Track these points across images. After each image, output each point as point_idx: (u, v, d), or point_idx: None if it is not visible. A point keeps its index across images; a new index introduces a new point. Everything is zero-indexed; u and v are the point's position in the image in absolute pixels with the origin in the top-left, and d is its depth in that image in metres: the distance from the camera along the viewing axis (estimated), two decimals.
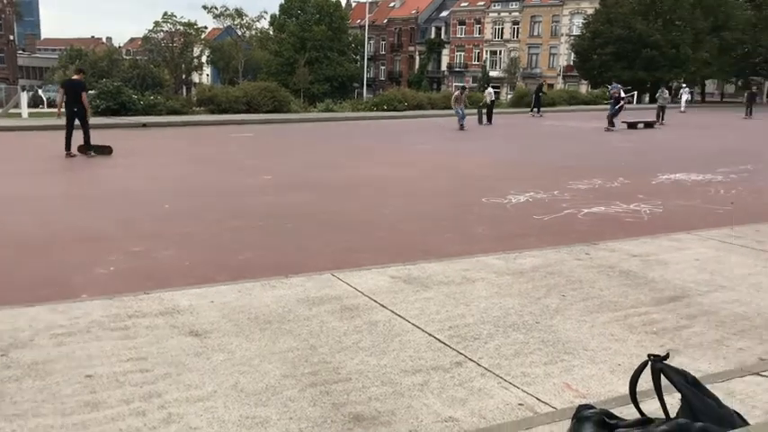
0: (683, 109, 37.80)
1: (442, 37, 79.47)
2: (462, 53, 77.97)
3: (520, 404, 3.25)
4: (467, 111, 25.13)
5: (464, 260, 5.94)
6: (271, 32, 74.70)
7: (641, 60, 48.51)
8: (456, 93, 26.22)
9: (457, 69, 77.36)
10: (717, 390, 3.13)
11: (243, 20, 77.70)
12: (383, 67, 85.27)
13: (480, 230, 7.76)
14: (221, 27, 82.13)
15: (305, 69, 63.10)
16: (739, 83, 59.89)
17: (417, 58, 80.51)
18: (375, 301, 4.75)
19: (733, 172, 12.71)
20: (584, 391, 3.40)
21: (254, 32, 79.06)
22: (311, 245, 6.97)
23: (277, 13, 72.81)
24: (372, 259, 6.03)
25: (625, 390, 2.74)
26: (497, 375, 3.57)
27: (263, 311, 4.49)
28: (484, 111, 27.04)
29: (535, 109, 32.80)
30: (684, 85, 40.04)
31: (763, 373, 3.57)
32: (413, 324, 4.31)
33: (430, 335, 4.13)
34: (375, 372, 3.58)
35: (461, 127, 23.59)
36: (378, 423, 3.06)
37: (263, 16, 77.60)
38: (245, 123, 25.06)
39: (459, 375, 3.57)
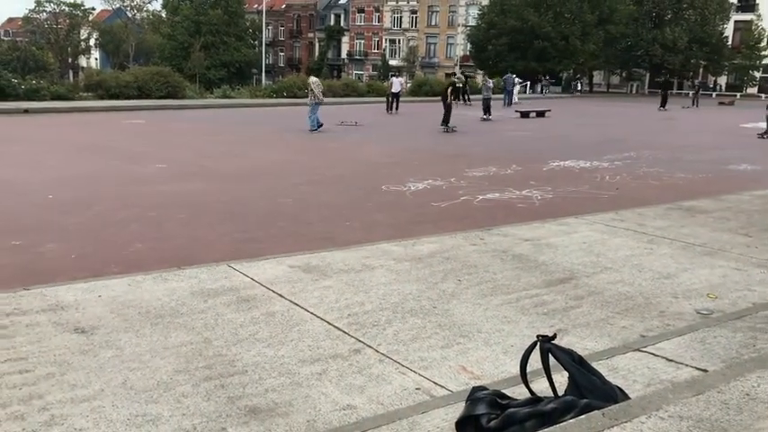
0: (516, 100, 35.27)
1: (342, 24, 79.21)
2: (362, 41, 78.04)
3: (417, 389, 3.29)
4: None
5: (364, 248, 5.95)
6: (164, 15, 71.87)
7: (533, 51, 50.28)
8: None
9: (357, 57, 77.39)
10: (602, 366, 3.28)
11: (133, 1, 74.49)
12: (282, 54, 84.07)
13: (380, 218, 7.81)
14: (110, 9, 78.34)
15: (200, 54, 61.10)
16: (623, 74, 63.23)
17: (317, 44, 79.91)
18: (273, 291, 4.67)
19: (618, 159, 13.40)
20: (479, 372, 3.49)
21: (145, 15, 75.95)
22: (207, 235, 6.78)
23: None
24: (271, 249, 5.94)
25: (517, 370, 2.83)
26: (395, 361, 3.59)
27: (154, 305, 4.32)
28: (392, 99, 27.05)
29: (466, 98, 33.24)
30: (514, 75, 40.00)
31: (644, 349, 3.78)
32: (312, 313, 4.27)
33: (329, 323, 4.11)
34: (272, 363, 3.53)
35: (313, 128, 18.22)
36: (275, 415, 3.01)
37: None
38: (137, 110, 24.06)
39: (357, 363, 3.57)
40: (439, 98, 24.07)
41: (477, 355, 3.71)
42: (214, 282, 4.83)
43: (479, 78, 35.03)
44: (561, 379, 2.75)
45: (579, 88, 57.99)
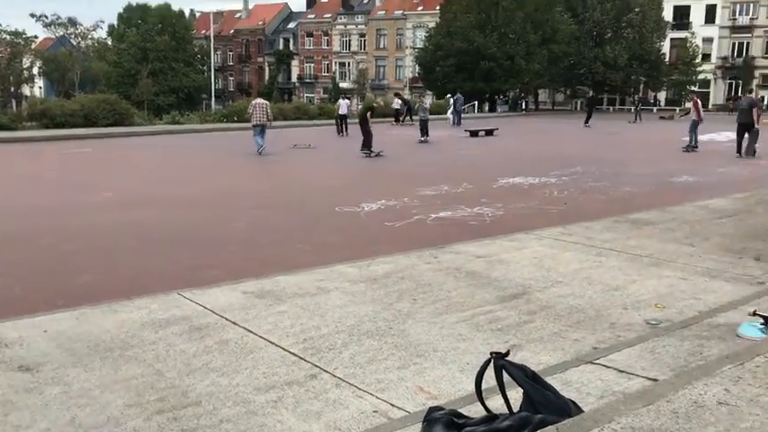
0: (452, 121, 34.27)
1: (291, 48, 79.39)
2: (312, 64, 78.33)
3: (374, 411, 3.27)
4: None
5: (318, 270, 5.92)
6: (109, 43, 70.88)
7: (480, 72, 51.21)
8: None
9: (307, 80, 77.58)
10: (555, 380, 3.33)
11: (77, 29, 73.18)
12: (232, 78, 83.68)
13: (334, 239, 7.79)
14: (54, 37, 76.81)
15: (148, 81, 60.37)
16: (567, 92, 64.88)
17: (267, 69, 79.82)
18: (226, 318, 4.60)
19: (565, 174, 13.70)
20: (436, 392, 3.49)
21: (90, 42, 74.68)
22: (157, 264, 6.65)
23: (115, 22, 69.22)
24: (223, 275, 5.86)
25: (473, 388, 2.84)
26: (352, 384, 3.57)
27: (103, 338, 4.20)
28: (341, 122, 27.12)
29: (408, 118, 33.55)
30: (448, 96, 40.30)
31: (596, 361, 3.85)
32: (266, 339, 4.22)
33: (284, 349, 4.06)
34: (227, 392, 3.46)
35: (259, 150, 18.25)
36: None
37: (99, 26, 73.07)
38: (84, 138, 23.58)
39: (314, 388, 3.53)
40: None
41: (433, 374, 3.71)
42: (165, 311, 4.73)
43: (426, 99, 34.72)
44: (516, 395, 2.78)
45: (524, 107, 59.22)
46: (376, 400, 3.38)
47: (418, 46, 63.69)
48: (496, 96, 54.66)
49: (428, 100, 27.93)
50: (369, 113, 19.18)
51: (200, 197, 11.07)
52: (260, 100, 19.63)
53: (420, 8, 71.89)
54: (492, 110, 53.67)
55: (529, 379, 2.64)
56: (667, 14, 60.87)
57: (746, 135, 17.69)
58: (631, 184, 12.31)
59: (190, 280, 5.81)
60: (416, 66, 62.44)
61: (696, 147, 19.80)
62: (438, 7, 59.75)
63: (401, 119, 33.93)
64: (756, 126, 17.44)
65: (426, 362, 3.88)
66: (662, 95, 63.58)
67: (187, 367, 3.78)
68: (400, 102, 34.84)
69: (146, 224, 8.68)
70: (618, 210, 9.24)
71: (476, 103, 51.31)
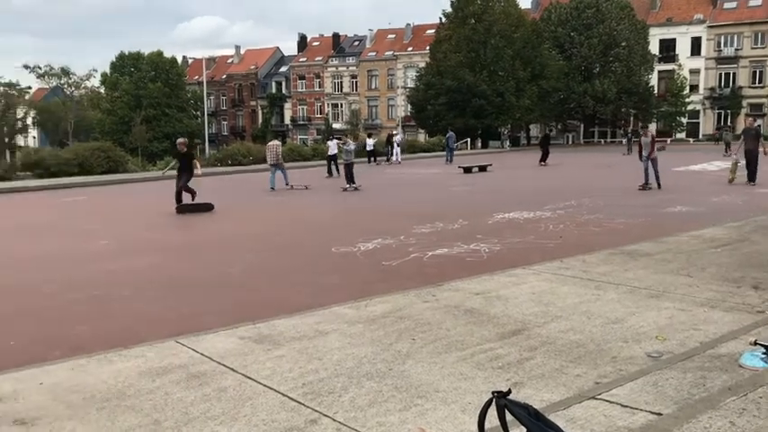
0: (398, 160, 34.66)
1: (284, 91, 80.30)
2: (305, 106, 79.19)
3: None
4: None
5: (316, 312, 5.88)
6: (102, 91, 71.58)
7: (471, 109, 51.84)
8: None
9: (301, 122, 78.29)
10: (559, 417, 3.29)
11: (70, 79, 73.99)
12: (225, 123, 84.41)
13: (331, 280, 7.76)
14: (47, 87, 77.57)
15: (142, 127, 60.88)
16: (558, 126, 65.58)
17: (260, 112, 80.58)
18: (224, 365, 4.55)
19: (559, 208, 13.74)
20: None
21: (83, 91, 75.39)
22: (153, 311, 6.60)
23: (108, 71, 70.04)
24: (220, 321, 5.81)
25: (476, 429, 2.80)
26: (353, 429, 3.52)
27: (99, 389, 4.15)
28: (330, 162, 27.29)
29: (392, 157, 33.97)
30: (396, 133, 40.76)
31: (599, 397, 3.81)
32: (265, 385, 4.17)
33: (283, 395, 4.01)
34: None
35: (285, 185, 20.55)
36: None
37: (92, 75, 73.90)
38: (78, 186, 23.65)
39: None
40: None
41: (435, 415, 3.67)
42: (162, 360, 4.68)
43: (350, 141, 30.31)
44: None
45: (508, 144, 59.77)
46: None
47: (409, 85, 64.57)
48: (500, 131, 55.37)
49: (352, 142, 23.48)
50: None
51: (194, 242, 11.05)
52: (274, 142, 21.90)
53: (410, 48, 73.05)
54: (485, 146, 54.18)
55: (532, 418, 2.61)
56: (654, 47, 62.00)
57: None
58: (626, 216, 12.35)
59: (186, 326, 5.76)
60: (408, 105, 63.17)
61: (648, 184, 17.43)
62: (428, 47, 60.73)
63: (383, 158, 34.45)
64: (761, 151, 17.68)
65: (428, 403, 3.84)
66: (652, 127, 64.26)
67: (185, 416, 3.73)
68: (373, 142, 35.49)
69: (141, 271, 8.64)
70: (613, 242, 9.26)
71: (468, 140, 51.76)
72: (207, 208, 15.06)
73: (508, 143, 57.29)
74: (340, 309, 5.97)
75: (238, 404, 3.88)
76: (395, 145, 35.24)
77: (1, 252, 10.49)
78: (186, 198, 15.44)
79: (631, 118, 61.89)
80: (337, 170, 26.33)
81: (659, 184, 17.29)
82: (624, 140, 43.60)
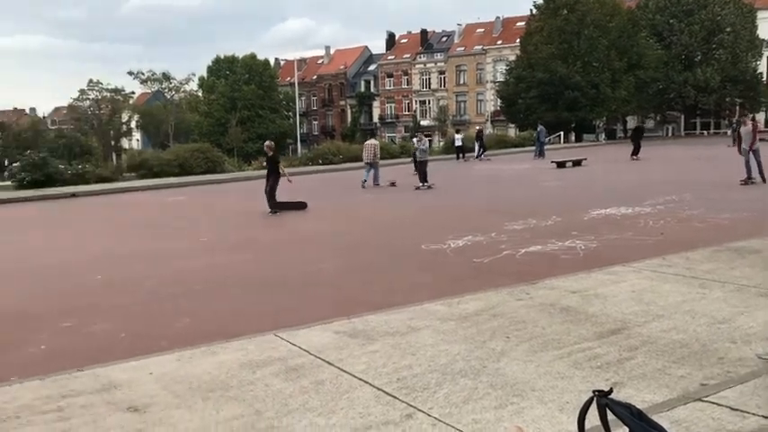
0: (481, 157, 33.46)
1: (372, 90, 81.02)
2: (393, 104, 79.58)
3: None
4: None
5: (408, 309, 5.91)
6: (200, 94, 74.57)
7: (564, 101, 50.54)
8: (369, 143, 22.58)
9: (389, 120, 78.78)
10: (662, 419, 3.17)
11: (171, 83, 77.43)
12: (316, 122, 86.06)
13: (422, 277, 7.78)
14: (149, 92, 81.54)
15: (237, 129, 63.03)
16: (657, 117, 62.90)
17: (349, 111, 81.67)
18: (320, 358, 4.66)
19: (659, 203, 13.19)
20: None
21: (183, 95, 78.75)
22: (252, 306, 6.83)
23: (205, 74, 72.86)
24: (314, 316, 5.94)
25: (575, 428, 2.74)
26: (448, 425, 3.52)
27: (204, 379, 4.34)
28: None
29: (481, 154, 33.59)
30: (458, 129, 37.55)
31: (705, 399, 3.64)
32: (360, 379, 4.23)
33: (378, 389, 4.06)
34: None
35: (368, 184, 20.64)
36: None
37: (191, 78, 77.10)
38: (179, 186, 24.74)
39: (410, 428, 3.50)
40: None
41: (532, 414, 3.61)
42: (261, 352, 4.84)
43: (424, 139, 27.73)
44: None
45: (603, 137, 57.59)
46: None
47: (499, 79, 63.68)
48: (594, 124, 53.82)
49: (425, 140, 23.10)
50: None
51: (289, 239, 11.34)
52: (371, 141, 22.38)
53: (499, 42, 72.02)
54: (578, 139, 52.74)
55: (635, 418, 2.53)
56: (763, 32, 58.26)
57: None
58: (731, 211, 11.72)
59: (283, 321, 5.93)
60: (498, 99, 62.34)
61: (752, 178, 16.06)
62: (518, 40, 59.70)
63: (470, 155, 33.95)
64: None
65: (524, 401, 3.79)
66: (761, 116, 60.51)
67: (285, 407, 3.84)
68: (461, 137, 35.04)
69: (239, 267, 8.96)
70: (719, 238, 8.80)
71: (561, 133, 50.54)
72: (300, 206, 15.41)
73: (603, 136, 55.58)
74: (431, 306, 5.98)
75: (335, 397, 3.96)
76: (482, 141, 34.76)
77: (108, 250, 11.12)
78: (280, 196, 15.84)
79: (737, 108, 58.51)
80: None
81: (764, 178, 16.06)
82: (729, 131, 41.30)
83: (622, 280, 6.61)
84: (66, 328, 6.21)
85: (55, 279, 8.78)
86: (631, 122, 65.52)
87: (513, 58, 60.64)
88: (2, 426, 3.75)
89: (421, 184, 19.24)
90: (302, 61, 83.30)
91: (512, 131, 58.72)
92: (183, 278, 8.33)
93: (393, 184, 20.61)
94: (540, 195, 16.71)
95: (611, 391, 2.63)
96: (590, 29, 50.78)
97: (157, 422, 3.70)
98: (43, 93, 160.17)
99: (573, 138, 53.42)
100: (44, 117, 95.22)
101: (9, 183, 28.57)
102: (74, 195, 22.56)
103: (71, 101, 78.14)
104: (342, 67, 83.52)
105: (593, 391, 2.64)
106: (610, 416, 2.58)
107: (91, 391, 4.22)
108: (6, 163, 59.39)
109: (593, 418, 2.64)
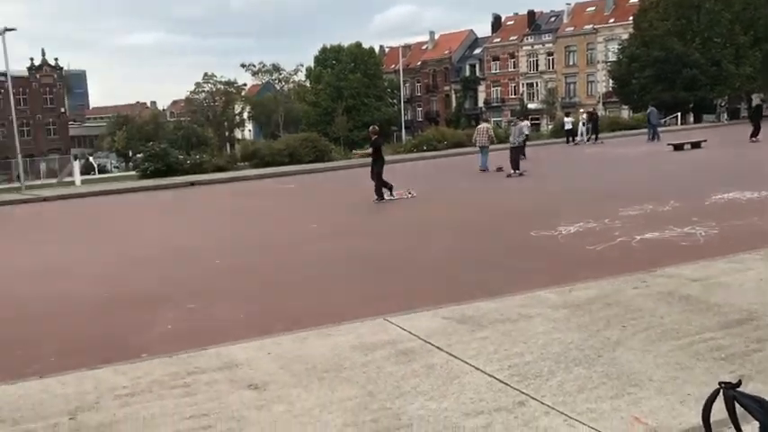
0: (584, 139, 32.62)
1: (477, 74, 79.96)
2: (498, 88, 78.25)
3: None
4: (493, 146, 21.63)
5: (518, 296, 5.85)
6: (308, 84, 76.30)
7: (682, 80, 47.88)
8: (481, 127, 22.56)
9: (494, 105, 77.56)
10: None
11: (280, 74, 79.62)
12: (420, 109, 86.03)
13: (532, 265, 7.66)
14: (260, 83, 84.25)
15: (343, 118, 64.15)
16: None
17: (453, 96, 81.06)
18: (430, 343, 4.70)
19: None
20: (655, 424, 3.28)
21: (291, 86, 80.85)
22: (362, 289, 6.98)
23: (312, 65, 74.43)
24: (424, 300, 5.99)
25: (697, 421, 2.64)
26: (562, 413, 3.47)
27: (319, 360, 4.49)
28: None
29: (592, 137, 32.51)
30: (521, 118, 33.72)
31: None
32: (471, 365, 4.24)
33: (489, 375, 4.06)
34: (436, 416, 3.53)
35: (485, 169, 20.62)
36: None
37: (299, 69, 78.92)
38: (289, 174, 25.52)
39: (522, 415, 3.48)
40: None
41: (650, 404, 3.50)
42: (372, 335, 4.94)
43: (524, 122, 26.70)
44: (752, 430, 2.53)
45: (725, 117, 53.95)
46: (589, 430, 3.26)
47: (611, 59, 61.20)
48: (715, 104, 50.72)
49: (522, 124, 22.10)
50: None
51: (396, 226, 11.45)
52: (485, 125, 22.29)
53: (611, 20, 69.09)
54: (697, 120, 49.88)
55: (767, 412, 2.40)
56: None
57: None
58: None
59: (393, 305, 6.01)
60: (610, 80, 59.95)
61: None
62: (631, 17, 57.05)
63: (582, 137, 32.76)
64: None
65: (641, 392, 3.67)
66: None
67: (397, 390, 3.91)
68: (571, 120, 33.90)
69: (348, 252, 9.16)
70: None
71: (678, 114, 48.00)
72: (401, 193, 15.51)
73: (726, 116, 52.18)
74: (543, 293, 5.88)
75: (446, 381, 3.99)
76: (588, 123, 33.45)
77: (225, 236, 11.66)
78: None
79: None
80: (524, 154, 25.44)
81: None
82: None
83: (748, 268, 6.23)
84: (191, 309, 6.59)
85: (178, 264, 9.32)
86: (757, 101, 61.27)
87: (625, 36, 58.01)
88: (137, 398, 4.05)
89: (512, 171, 18.53)
90: (407, 48, 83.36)
91: (625, 113, 56.33)
92: (296, 262, 8.64)
93: (500, 170, 20.31)
94: (656, 179, 15.98)
95: (739, 383, 2.50)
96: (711, 2, 47.75)
97: (276, 400, 3.87)
98: (161, 87, 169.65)
99: (691, 119, 50.56)
100: (163, 109, 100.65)
101: (134, 172, 30.53)
102: (192, 184, 23.78)
103: (187, 94, 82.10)
104: (446, 52, 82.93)
105: (720, 383, 2.53)
106: (738, 410, 2.46)
107: (214, 368, 4.47)
108: (130, 154, 63.31)
109: (717, 412, 2.52)
